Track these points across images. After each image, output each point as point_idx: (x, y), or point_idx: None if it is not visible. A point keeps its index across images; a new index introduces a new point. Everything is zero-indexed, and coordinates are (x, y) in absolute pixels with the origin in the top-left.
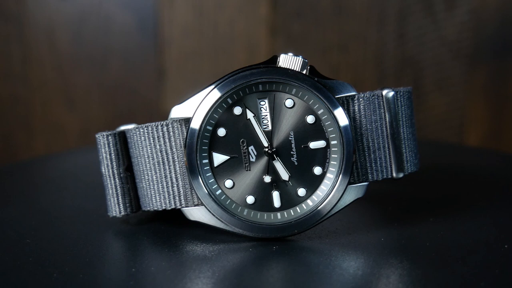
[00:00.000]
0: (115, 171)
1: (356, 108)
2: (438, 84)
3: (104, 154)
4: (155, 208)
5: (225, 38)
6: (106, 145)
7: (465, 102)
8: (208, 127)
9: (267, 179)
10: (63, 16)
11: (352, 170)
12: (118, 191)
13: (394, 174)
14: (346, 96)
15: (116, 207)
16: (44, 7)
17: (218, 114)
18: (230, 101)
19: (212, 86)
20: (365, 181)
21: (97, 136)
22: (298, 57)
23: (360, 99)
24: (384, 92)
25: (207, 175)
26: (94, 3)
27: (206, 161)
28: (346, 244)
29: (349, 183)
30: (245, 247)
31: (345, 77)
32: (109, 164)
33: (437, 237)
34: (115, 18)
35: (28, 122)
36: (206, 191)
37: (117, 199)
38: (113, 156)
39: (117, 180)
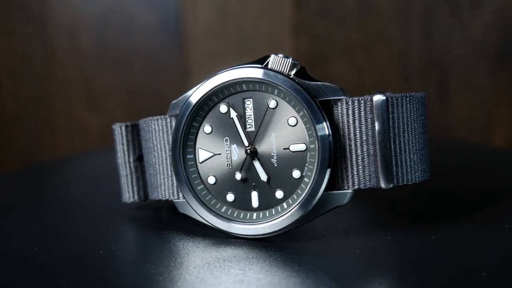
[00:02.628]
0: (126, 160)
1: (344, 111)
2: (463, 84)
3: (118, 144)
4: (154, 198)
5: (249, 38)
6: (120, 135)
7: (490, 102)
8: (194, 124)
9: (238, 176)
10: (85, 16)
11: (328, 176)
12: (128, 179)
13: (382, 185)
14: (332, 99)
15: (126, 194)
16: (67, 6)
17: (204, 111)
18: (215, 99)
19: (200, 84)
20: (348, 189)
21: (113, 126)
22: (288, 59)
23: (349, 103)
24: (375, 97)
25: (191, 169)
26: (117, 2)
27: (192, 156)
28: (318, 250)
29: (328, 189)
30: (219, 244)
31: (370, 77)
32: (122, 153)
33: (421, 254)
34: (138, 18)
35: (50, 123)
36: (187, 186)
37: (127, 186)
38: (125, 146)
39: (128, 169)
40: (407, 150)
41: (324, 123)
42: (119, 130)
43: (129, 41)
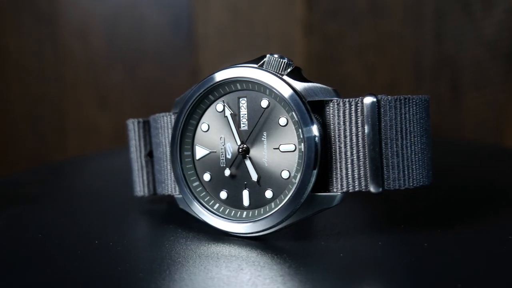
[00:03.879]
0: (138, 154)
1: (335, 113)
2: (476, 84)
3: (131, 139)
4: (160, 193)
5: (260, 38)
6: (133, 131)
7: (503, 103)
8: (192, 121)
9: (227, 172)
10: (96, 16)
11: (314, 178)
12: (140, 173)
13: (371, 188)
14: (323, 100)
15: (137, 188)
16: (77, 6)
17: (202, 109)
18: (212, 98)
19: (198, 83)
20: (337, 191)
21: (127, 122)
22: (283, 59)
23: (340, 104)
24: (365, 99)
25: (187, 166)
26: (127, 2)
27: (189, 153)
28: (303, 251)
29: (316, 190)
30: (208, 240)
31: (382, 77)
32: (134, 148)
33: (404, 262)
34: (149, 18)
35: (61, 123)
36: (183, 182)
37: (138, 180)
38: (137, 142)
39: (139, 163)
40: (399, 154)
41: (311, 124)
42: (132, 126)
43: (139, 41)
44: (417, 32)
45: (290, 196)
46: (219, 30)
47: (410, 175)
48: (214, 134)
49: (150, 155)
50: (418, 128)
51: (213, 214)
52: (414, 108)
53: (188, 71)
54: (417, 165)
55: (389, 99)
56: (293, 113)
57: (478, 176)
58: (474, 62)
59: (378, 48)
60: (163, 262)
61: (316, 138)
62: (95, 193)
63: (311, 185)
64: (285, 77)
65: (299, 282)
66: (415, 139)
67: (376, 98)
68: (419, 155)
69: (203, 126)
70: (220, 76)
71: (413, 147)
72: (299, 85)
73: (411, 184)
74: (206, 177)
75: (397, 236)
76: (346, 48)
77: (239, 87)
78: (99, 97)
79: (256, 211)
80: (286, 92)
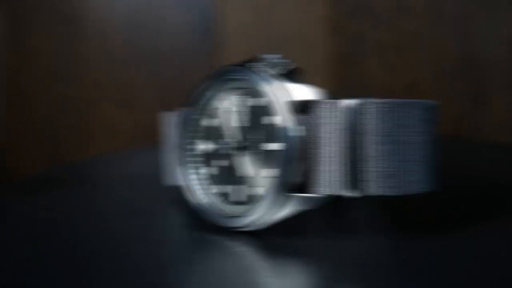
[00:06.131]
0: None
1: (321, 114)
2: (498, 84)
3: (164, 131)
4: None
5: (280, 38)
6: (166, 123)
7: None
8: (195, 116)
9: (216, 165)
10: (114, 16)
11: (291, 178)
12: (168, 163)
13: (348, 192)
14: (309, 101)
15: (166, 177)
16: (97, 6)
17: (203, 105)
18: (211, 95)
19: (203, 79)
20: (317, 194)
21: (161, 114)
22: (276, 60)
23: (325, 106)
24: (346, 101)
25: (188, 159)
26: (146, 2)
27: (191, 147)
28: (278, 249)
29: (296, 191)
30: (196, 231)
31: (403, 77)
32: (166, 139)
33: (366, 273)
34: (168, 17)
35: (78, 123)
36: (184, 175)
37: (167, 170)
38: (168, 133)
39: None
40: (380, 160)
41: (290, 124)
42: (166, 118)
43: (158, 41)
44: (439, 31)
45: (268, 195)
46: (239, 30)
47: (393, 182)
48: (213, 130)
49: None
50: (409, 134)
51: (206, 208)
52: (404, 113)
53: (208, 71)
54: (404, 172)
55: (371, 102)
56: (277, 112)
57: (490, 178)
58: (497, 61)
59: (399, 48)
60: (144, 249)
61: (295, 138)
62: (126, 182)
63: (288, 185)
64: (274, 77)
65: (261, 276)
66: (402, 145)
67: (356, 100)
68: (408, 161)
69: (205, 121)
70: (217, 73)
71: (399, 152)
72: (287, 86)
73: (396, 192)
74: (204, 171)
75: (382, 243)
76: (367, 47)
77: (234, 85)
78: (117, 97)
79: (243, 207)
80: (271, 91)
